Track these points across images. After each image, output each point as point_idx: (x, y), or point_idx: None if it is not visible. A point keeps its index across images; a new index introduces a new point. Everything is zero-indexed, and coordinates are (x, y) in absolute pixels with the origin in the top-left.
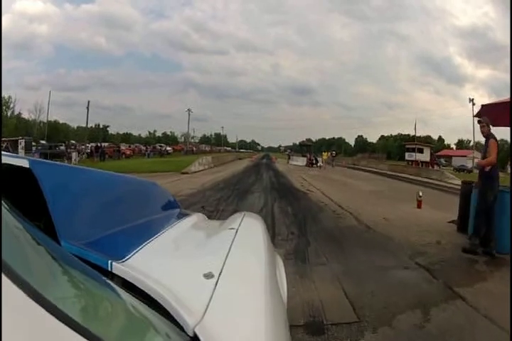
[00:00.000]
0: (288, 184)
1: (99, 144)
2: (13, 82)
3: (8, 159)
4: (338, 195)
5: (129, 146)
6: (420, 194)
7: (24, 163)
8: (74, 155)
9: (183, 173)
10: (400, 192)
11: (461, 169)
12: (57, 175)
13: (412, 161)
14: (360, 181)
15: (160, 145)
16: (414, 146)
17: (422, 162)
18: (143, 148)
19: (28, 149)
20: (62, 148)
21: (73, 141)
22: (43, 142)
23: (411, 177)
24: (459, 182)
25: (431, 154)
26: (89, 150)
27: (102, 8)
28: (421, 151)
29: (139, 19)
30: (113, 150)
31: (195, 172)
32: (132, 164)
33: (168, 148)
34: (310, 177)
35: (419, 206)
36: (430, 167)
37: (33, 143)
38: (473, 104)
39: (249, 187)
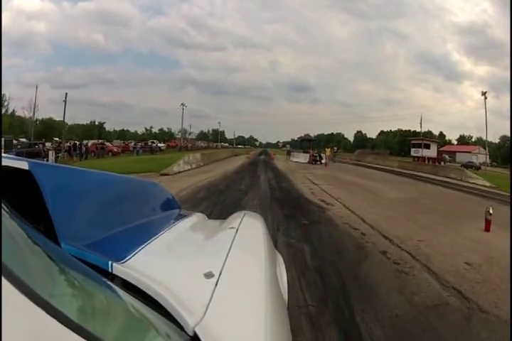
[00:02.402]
0: (293, 191)
1: (77, 142)
2: (11, 80)
3: (7, 161)
4: (367, 209)
5: (123, 143)
6: (491, 211)
7: (24, 165)
8: (50, 153)
9: (163, 175)
10: (438, 199)
11: (468, 165)
12: (56, 177)
13: (418, 157)
14: (379, 183)
15: (152, 142)
16: (420, 142)
17: (429, 158)
18: (131, 144)
19: (8, 148)
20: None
21: (56, 138)
22: (23, 140)
23: (428, 176)
24: (484, 182)
25: (437, 150)
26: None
27: (99, 5)
28: (427, 147)
29: (136, 16)
30: (96, 147)
31: (178, 172)
32: (111, 163)
33: (161, 145)
34: (318, 178)
35: (487, 228)
36: (437, 163)
37: (15, 142)
38: (486, 98)
39: (240, 198)
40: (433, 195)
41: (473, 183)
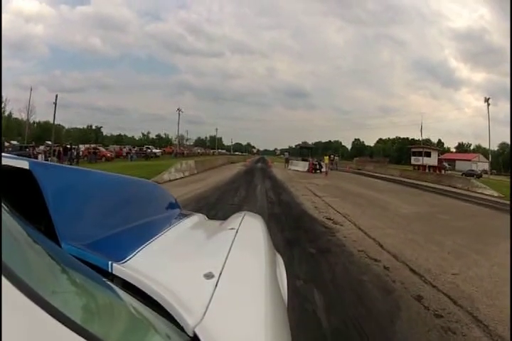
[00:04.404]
0: (294, 205)
1: (68, 145)
2: (9, 82)
3: (8, 161)
4: (383, 230)
5: (120, 148)
6: None
7: (24, 165)
8: (40, 157)
9: None
10: (452, 214)
11: (470, 174)
12: (57, 177)
13: (418, 165)
14: (385, 195)
15: (147, 147)
16: (421, 150)
17: (430, 166)
18: (125, 149)
19: None
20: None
21: (49, 142)
22: (14, 142)
23: (434, 185)
24: (491, 192)
25: (438, 158)
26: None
27: (97, 10)
28: (428, 155)
29: (134, 21)
30: (88, 152)
31: (169, 181)
32: (100, 169)
33: (156, 150)
34: (320, 189)
35: None
36: (438, 171)
37: (7, 144)
38: (489, 104)
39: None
40: (446, 209)
41: (480, 193)
